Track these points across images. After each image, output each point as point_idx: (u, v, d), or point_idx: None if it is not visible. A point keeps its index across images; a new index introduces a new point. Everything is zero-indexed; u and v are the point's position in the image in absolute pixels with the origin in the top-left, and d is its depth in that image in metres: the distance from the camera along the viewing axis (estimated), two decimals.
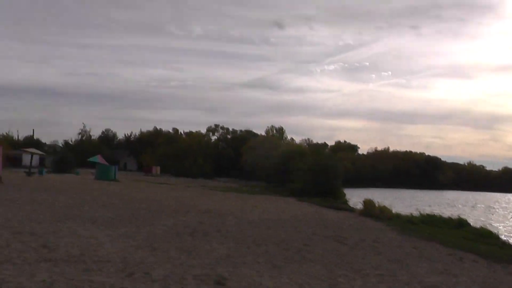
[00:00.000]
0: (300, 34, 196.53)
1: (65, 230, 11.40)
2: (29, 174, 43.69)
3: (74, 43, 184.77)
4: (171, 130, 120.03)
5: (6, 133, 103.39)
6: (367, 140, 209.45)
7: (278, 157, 76.67)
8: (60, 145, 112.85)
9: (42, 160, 73.52)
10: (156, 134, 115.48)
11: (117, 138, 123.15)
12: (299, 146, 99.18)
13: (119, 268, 7.97)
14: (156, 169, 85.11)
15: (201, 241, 11.50)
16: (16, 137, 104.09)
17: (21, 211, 14.35)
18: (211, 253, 10.03)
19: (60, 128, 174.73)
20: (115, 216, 14.93)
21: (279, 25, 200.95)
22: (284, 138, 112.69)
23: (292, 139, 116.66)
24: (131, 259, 8.71)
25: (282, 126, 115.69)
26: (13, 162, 65.53)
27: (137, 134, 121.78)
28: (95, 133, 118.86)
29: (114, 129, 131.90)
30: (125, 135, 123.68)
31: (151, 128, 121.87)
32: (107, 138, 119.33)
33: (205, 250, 10.30)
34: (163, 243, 10.75)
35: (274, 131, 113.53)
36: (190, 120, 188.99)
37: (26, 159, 75.46)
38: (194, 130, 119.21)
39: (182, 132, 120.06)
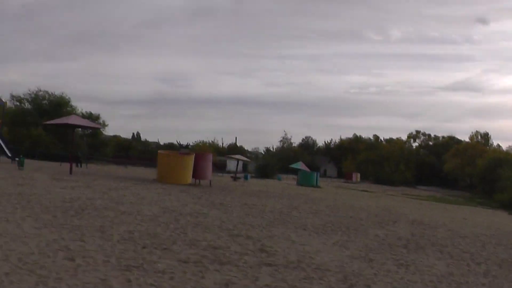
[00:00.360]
0: (506, 29, 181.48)
1: (279, 235, 11.46)
2: (235, 179, 45.61)
3: (273, 55, 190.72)
4: (371, 137, 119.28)
5: (212, 141, 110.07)
6: None
7: (483, 165, 72.71)
8: (262, 152, 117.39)
9: (245, 166, 76.75)
10: (356, 140, 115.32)
11: (316, 145, 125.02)
12: (506, 153, 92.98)
13: (339, 279, 7.73)
14: (356, 176, 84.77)
15: (417, 255, 10.90)
16: (221, 145, 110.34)
17: (234, 215, 14.75)
18: (430, 269, 9.40)
19: (261, 135, 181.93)
20: (324, 223, 14.78)
21: (483, 20, 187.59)
22: (489, 144, 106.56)
23: (498, 145, 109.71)
24: (349, 270, 8.43)
25: (487, 131, 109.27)
26: (218, 167, 69.17)
27: (336, 141, 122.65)
28: (296, 140, 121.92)
29: (314, 136, 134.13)
30: (325, 142, 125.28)
31: (350, 135, 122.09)
32: (307, 145, 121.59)
33: (423, 265, 9.70)
34: (378, 254, 10.33)
35: (479, 137, 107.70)
36: (390, 126, 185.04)
37: (230, 164, 79.33)
38: (394, 137, 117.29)
39: (382, 139, 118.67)
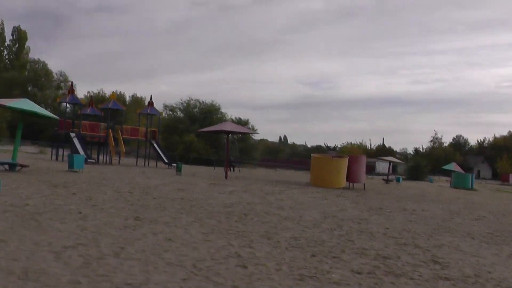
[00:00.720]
0: None
1: (447, 244, 10.88)
2: (387, 181, 44.72)
3: (419, 51, 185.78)
4: None
5: (360, 142, 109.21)
6: None
7: None
8: (411, 152, 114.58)
9: (394, 167, 75.21)
10: None
11: (468, 144, 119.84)
12: None
13: None
14: None
15: None
16: (369, 146, 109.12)
17: (396, 221, 14.31)
18: None
19: (409, 135, 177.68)
20: (492, 232, 13.79)
21: None
22: None
23: None
24: None
25: None
26: (368, 169, 68.49)
27: (490, 139, 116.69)
28: (446, 139, 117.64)
29: (465, 134, 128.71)
30: (477, 140, 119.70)
31: (505, 132, 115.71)
32: (459, 144, 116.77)
33: None
34: None
35: None
36: None
37: (378, 166, 78.08)
38: None
39: None
